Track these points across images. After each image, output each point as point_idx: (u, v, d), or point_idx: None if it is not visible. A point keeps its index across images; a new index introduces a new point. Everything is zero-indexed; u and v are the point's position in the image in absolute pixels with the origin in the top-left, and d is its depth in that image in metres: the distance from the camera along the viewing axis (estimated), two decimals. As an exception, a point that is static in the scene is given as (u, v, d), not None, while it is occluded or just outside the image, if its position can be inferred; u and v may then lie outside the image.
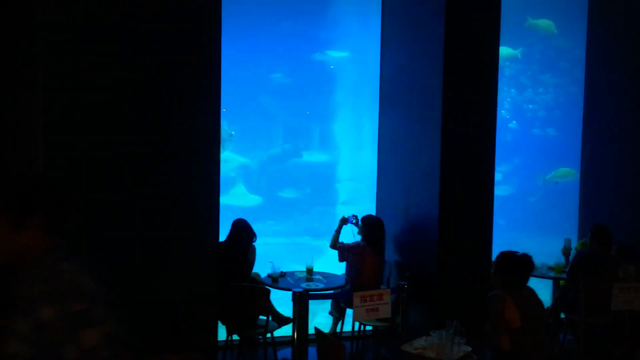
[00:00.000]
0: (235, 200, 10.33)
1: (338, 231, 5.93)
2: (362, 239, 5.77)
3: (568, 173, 8.72)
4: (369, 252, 5.66)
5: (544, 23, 9.59)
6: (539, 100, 11.69)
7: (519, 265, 3.64)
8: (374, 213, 6.53)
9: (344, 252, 5.79)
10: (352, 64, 9.73)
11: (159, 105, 4.35)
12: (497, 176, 5.79)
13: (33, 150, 4.09)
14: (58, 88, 4.11)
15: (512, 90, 11.12)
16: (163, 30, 4.33)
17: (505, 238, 6.58)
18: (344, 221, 5.95)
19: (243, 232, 5.48)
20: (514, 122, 11.27)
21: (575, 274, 5.66)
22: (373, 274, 5.68)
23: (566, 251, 6.43)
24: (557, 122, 10.85)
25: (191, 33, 4.41)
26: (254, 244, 5.57)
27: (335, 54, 9.90)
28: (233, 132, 8.86)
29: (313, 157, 10.57)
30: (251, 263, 5.58)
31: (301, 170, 10.57)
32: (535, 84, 11.55)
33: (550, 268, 6.19)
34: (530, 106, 11.58)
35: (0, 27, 4.12)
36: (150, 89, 4.32)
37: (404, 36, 6.09)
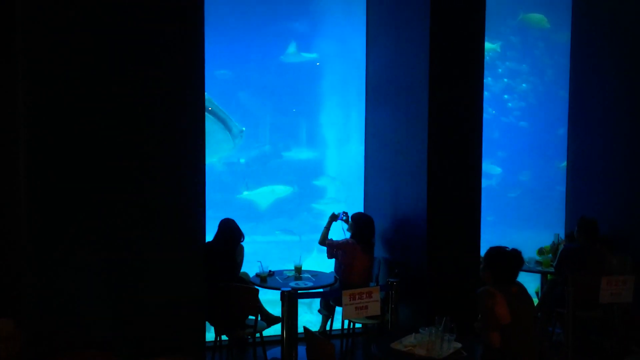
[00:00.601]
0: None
1: (327, 227, 5.90)
2: (352, 236, 5.74)
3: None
4: (358, 250, 5.64)
5: (536, 17, 9.59)
6: (521, 92, 11.73)
7: (509, 260, 3.62)
8: (362, 210, 6.52)
9: (334, 249, 5.76)
10: (338, 60, 9.70)
11: (144, 103, 4.30)
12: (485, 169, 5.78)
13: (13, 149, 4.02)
14: (40, 82, 4.06)
15: (492, 82, 11.11)
16: (148, 28, 4.28)
17: (492, 233, 6.60)
18: (334, 218, 5.92)
19: (231, 231, 5.43)
20: (498, 117, 11.31)
21: (563, 267, 5.67)
22: (363, 271, 5.67)
23: (554, 247, 6.45)
24: (541, 115, 10.89)
25: (176, 30, 4.36)
26: (242, 243, 5.53)
27: (318, 51, 9.89)
28: (244, 128, 8.81)
29: (300, 154, 10.54)
30: (239, 263, 5.53)
31: (288, 167, 10.54)
32: (516, 76, 11.58)
33: (538, 262, 6.20)
34: (508, 98, 11.62)
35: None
36: (136, 86, 4.27)
37: (389, 32, 6.06)
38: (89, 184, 4.18)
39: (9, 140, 3.92)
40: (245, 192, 10.33)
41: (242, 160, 10.08)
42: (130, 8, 4.24)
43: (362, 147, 6.66)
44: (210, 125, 8.23)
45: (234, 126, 8.51)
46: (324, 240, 5.83)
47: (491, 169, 10.44)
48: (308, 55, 9.92)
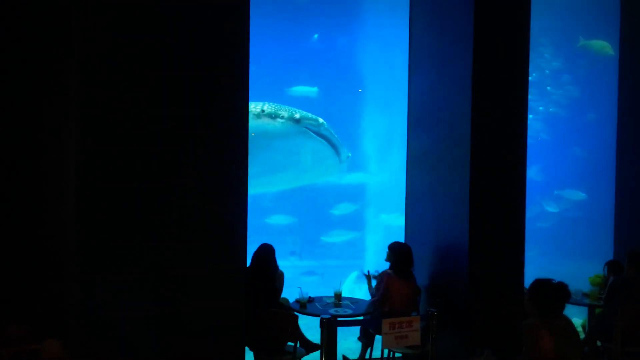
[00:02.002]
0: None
1: (369, 284, 5.89)
2: (390, 267, 5.69)
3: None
4: (396, 280, 5.57)
5: (599, 44, 9.33)
6: (567, 114, 11.54)
7: (555, 293, 3.54)
8: (403, 237, 6.46)
9: (380, 286, 5.68)
10: (381, 85, 9.79)
11: (195, 123, 4.40)
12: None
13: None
14: (92, 88, 4.20)
15: (540, 107, 11.01)
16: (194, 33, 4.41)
17: (535, 263, 6.45)
18: (368, 278, 5.92)
19: (268, 256, 5.44)
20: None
21: (613, 299, 5.50)
22: (401, 301, 5.55)
23: (605, 278, 6.26)
24: (589, 140, 10.68)
25: (223, 37, 4.46)
26: (281, 269, 5.54)
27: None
28: (350, 154, 8.97)
29: (344, 178, 10.63)
30: (279, 288, 5.54)
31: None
32: (565, 100, 11.41)
33: (585, 295, 6.01)
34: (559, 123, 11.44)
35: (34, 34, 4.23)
36: (182, 95, 4.39)
37: (433, 57, 6.06)
38: (136, 206, 4.27)
39: (59, 160, 4.06)
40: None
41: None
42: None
43: (404, 174, 6.63)
44: (324, 150, 8.43)
45: (342, 151, 8.68)
46: (372, 295, 5.75)
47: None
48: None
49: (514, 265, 5.39)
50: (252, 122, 7.90)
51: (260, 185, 9.02)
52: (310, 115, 8.38)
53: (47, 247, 4.29)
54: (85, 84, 4.16)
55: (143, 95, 4.28)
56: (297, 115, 8.22)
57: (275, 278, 5.44)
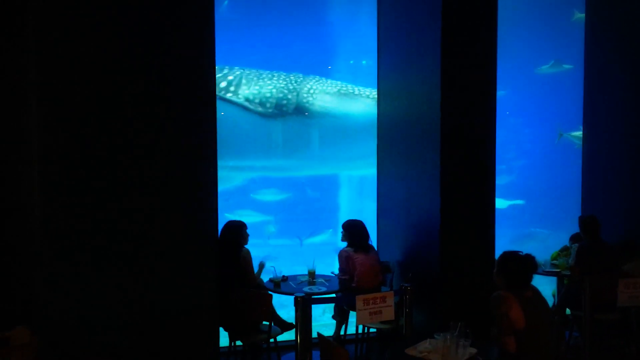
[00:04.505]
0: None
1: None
2: (348, 245, 5.72)
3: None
4: (357, 255, 5.60)
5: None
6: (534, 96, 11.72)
7: (522, 264, 3.59)
8: (374, 214, 6.51)
9: (345, 269, 5.70)
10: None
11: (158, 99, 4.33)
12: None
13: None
14: (51, 81, 4.09)
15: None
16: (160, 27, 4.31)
17: (508, 235, 6.55)
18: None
19: (229, 234, 5.35)
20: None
21: (579, 265, 5.67)
22: (367, 274, 5.58)
23: (564, 249, 6.44)
24: (555, 119, 10.86)
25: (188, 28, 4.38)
26: (246, 247, 5.44)
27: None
28: None
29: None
30: (245, 267, 5.36)
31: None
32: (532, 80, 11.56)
33: (555, 265, 6.14)
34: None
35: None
36: (147, 79, 4.30)
37: (401, 32, 6.04)
38: (101, 191, 4.20)
39: (22, 147, 3.97)
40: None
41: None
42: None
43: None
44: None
45: None
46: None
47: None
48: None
49: (484, 239, 5.46)
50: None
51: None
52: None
53: (12, 234, 4.20)
54: (44, 73, 4.05)
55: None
56: None
57: (239, 257, 5.33)
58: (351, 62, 11.00)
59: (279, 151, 8.50)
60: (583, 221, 5.85)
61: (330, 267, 6.43)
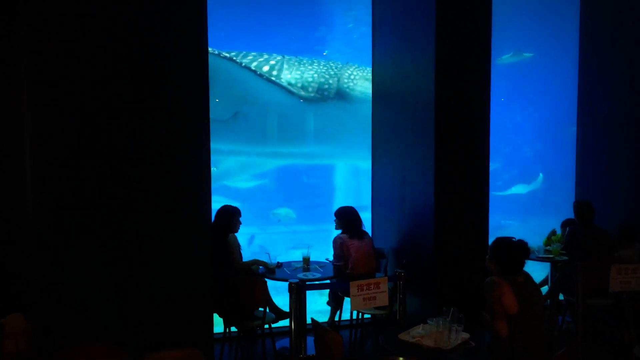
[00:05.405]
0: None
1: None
2: (342, 232, 5.73)
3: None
4: (351, 241, 5.62)
5: None
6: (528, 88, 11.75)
7: (515, 251, 3.60)
8: (369, 201, 6.53)
9: (338, 255, 5.71)
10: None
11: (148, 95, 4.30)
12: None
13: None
14: (43, 78, 4.06)
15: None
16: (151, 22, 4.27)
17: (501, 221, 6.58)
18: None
19: (223, 220, 5.37)
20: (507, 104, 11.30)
21: (571, 250, 5.71)
22: (362, 260, 5.59)
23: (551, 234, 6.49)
24: (550, 111, 10.91)
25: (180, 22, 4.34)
26: (235, 235, 5.43)
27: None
28: None
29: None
30: (232, 253, 5.37)
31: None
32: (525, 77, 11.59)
33: (548, 250, 6.17)
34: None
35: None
36: (138, 69, 4.26)
37: (396, 18, 6.02)
38: (95, 177, 4.18)
39: (14, 133, 3.95)
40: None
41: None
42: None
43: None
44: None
45: None
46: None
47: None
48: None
49: (478, 226, 5.48)
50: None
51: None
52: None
53: (5, 221, 4.19)
54: (36, 66, 4.02)
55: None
56: None
57: (227, 242, 5.33)
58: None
59: (319, 138, 8.60)
60: (578, 205, 5.86)
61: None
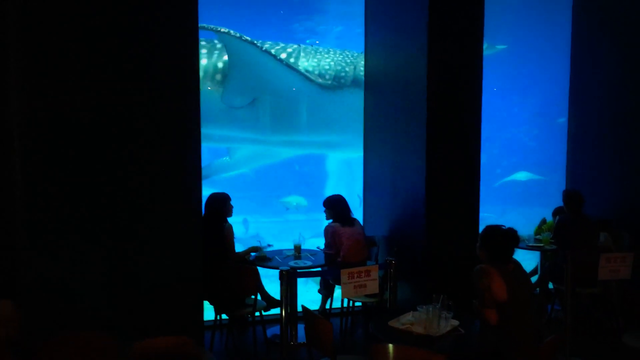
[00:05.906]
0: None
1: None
2: (333, 221, 5.73)
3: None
4: (342, 229, 5.62)
5: None
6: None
7: (504, 239, 3.62)
8: (361, 189, 6.54)
9: (331, 243, 5.71)
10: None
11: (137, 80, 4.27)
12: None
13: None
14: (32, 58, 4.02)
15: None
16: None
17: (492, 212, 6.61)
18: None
19: (216, 207, 5.35)
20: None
21: (560, 237, 5.74)
22: (354, 247, 5.59)
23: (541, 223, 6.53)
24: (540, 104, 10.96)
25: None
26: (230, 223, 5.41)
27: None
28: None
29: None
30: (229, 244, 5.35)
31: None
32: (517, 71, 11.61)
33: (538, 240, 6.20)
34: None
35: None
36: (125, 55, 4.22)
37: (388, 8, 6.00)
38: (85, 162, 4.15)
39: (3, 126, 3.91)
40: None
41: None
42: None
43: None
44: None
45: None
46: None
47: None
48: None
49: (469, 214, 5.50)
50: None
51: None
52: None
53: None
54: (26, 52, 3.98)
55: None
56: None
57: (223, 229, 5.31)
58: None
59: (337, 125, 8.70)
60: (567, 195, 5.91)
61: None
